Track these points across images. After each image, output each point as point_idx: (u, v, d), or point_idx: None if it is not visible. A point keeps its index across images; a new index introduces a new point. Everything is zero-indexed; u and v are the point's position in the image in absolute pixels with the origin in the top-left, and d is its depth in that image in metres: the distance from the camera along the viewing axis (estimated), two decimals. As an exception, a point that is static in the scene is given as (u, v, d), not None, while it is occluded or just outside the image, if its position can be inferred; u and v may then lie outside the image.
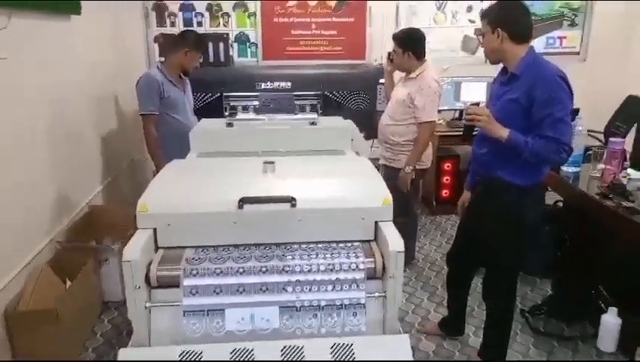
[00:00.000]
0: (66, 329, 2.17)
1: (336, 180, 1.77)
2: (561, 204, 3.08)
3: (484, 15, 1.98)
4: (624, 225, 2.10)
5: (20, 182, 2.29)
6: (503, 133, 1.87)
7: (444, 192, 4.15)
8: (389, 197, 1.66)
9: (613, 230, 2.29)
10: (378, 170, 3.06)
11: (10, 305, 2.11)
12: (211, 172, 1.89)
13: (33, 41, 2.44)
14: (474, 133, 2.09)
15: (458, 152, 4.16)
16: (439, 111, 4.04)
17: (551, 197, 3.13)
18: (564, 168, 2.65)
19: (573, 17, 4.47)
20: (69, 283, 2.40)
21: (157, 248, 1.56)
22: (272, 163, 1.84)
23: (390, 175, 3.01)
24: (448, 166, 4.09)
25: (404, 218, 2.99)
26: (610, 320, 2.34)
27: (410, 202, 3.06)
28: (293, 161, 2.02)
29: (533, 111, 1.83)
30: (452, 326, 2.48)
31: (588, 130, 3.46)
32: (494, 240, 2.04)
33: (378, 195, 1.65)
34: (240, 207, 1.54)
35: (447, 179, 4.11)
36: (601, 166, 2.57)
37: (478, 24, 4.41)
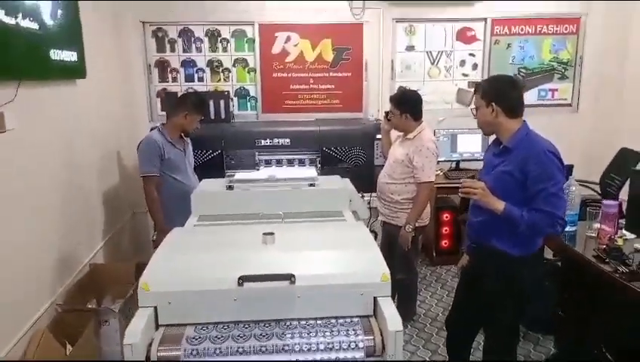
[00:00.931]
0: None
1: (335, 254, 1.79)
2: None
3: (479, 89, 2.06)
4: (622, 290, 2.11)
5: (23, 244, 2.32)
6: (499, 205, 1.91)
7: (444, 243, 4.17)
8: (387, 272, 1.68)
9: (611, 292, 2.30)
10: (375, 235, 3.14)
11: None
12: (211, 245, 1.91)
13: (40, 108, 2.52)
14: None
15: (456, 202, 4.20)
16: (437, 162, 4.12)
17: (551, 252, 3.16)
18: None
19: (563, 70, 4.60)
20: (69, 347, 2.39)
21: (158, 326, 1.57)
22: (272, 234, 1.88)
23: (390, 232, 3.05)
24: (447, 216, 4.13)
25: (405, 275, 3.01)
26: (613, 383, 2.31)
27: (411, 259, 3.07)
28: (292, 231, 2.05)
29: (528, 185, 1.89)
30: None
31: (582, 182, 3.53)
32: (492, 309, 2.05)
33: (376, 271, 1.66)
34: (240, 284, 1.56)
35: (446, 230, 4.14)
36: (596, 225, 2.60)
37: (471, 77, 4.58)
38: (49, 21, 2.54)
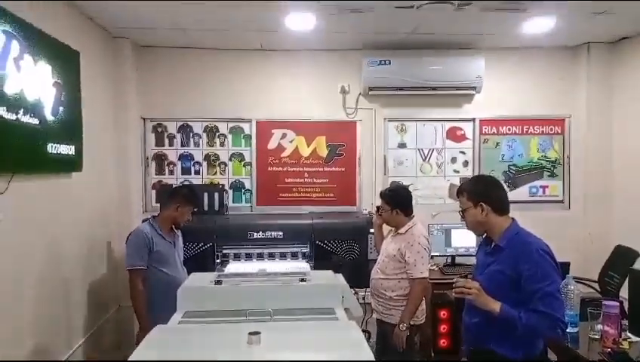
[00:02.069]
0: None
1: (324, 359, 1.69)
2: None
3: (463, 191, 2.07)
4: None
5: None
6: (495, 306, 1.85)
7: (442, 342, 3.96)
8: (379, 377, 1.57)
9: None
10: (369, 335, 3.01)
11: None
12: (192, 347, 1.80)
13: (32, 201, 2.53)
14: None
15: (453, 298, 4.06)
16: (432, 257, 4.06)
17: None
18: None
19: (552, 168, 4.71)
20: None
21: None
22: (258, 334, 1.78)
23: (384, 331, 2.92)
24: (444, 314, 3.96)
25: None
26: None
27: (406, 360, 2.91)
28: (280, 331, 1.95)
29: (523, 285, 1.84)
30: None
31: (580, 279, 3.46)
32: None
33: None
34: (221, 391, 1.44)
35: (444, 328, 3.95)
36: (599, 327, 2.49)
37: (462, 173, 4.66)
38: (49, 117, 2.63)
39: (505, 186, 2.16)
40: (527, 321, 1.78)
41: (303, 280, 2.51)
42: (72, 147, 2.91)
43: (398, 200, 2.99)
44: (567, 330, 2.54)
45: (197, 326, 2.08)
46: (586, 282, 3.81)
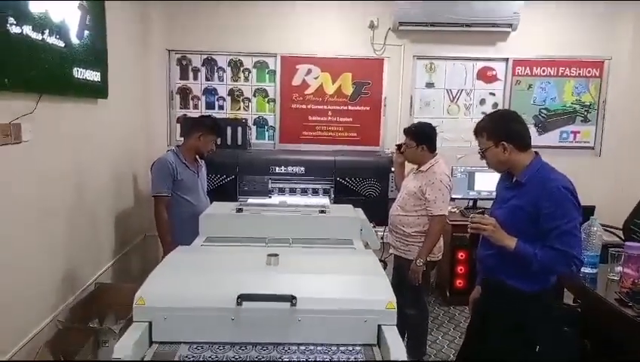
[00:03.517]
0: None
1: (340, 278, 1.73)
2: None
3: (482, 131, 1.99)
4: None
5: (28, 256, 2.31)
6: (510, 242, 1.84)
7: (459, 282, 4.03)
8: (394, 300, 1.60)
9: (633, 338, 2.16)
10: (385, 264, 3.05)
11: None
12: (213, 264, 1.86)
13: (59, 124, 2.56)
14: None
15: (469, 235, 4.08)
16: (453, 199, 4.05)
17: (570, 297, 3.02)
18: (582, 269, 2.56)
19: (585, 113, 4.54)
20: (65, 365, 2.33)
21: (151, 342, 1.52)
22: (277, 255, 1.82)
23: (401, 266, 2.97)
24: (462, 255, 4.00)
25: (414, 310, 2.90)
26: None
27: (421, 294, 2.96)
28: (298, 254, 1.99)
29: (541, 221, 1.81)
30: None
31: (605, 226, 3.40)
32: (500, 348, 1.93)
33: (382, 298, 1.59)
34: (238, 303, 1.50)
35: (461, 269, 4.01)
36: (619, 269, 2.47)
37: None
38: (75, 40, 2.62)
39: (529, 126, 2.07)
40: (542, 258, 1.77)
41: (322, 211, 2.54)
42: (98, 73, 2.92)
43: (423, 136, 2.94)
44: (587, 271, 2.55)
45: (218, 248, 2.15)
46: (610, 229, 3.74)
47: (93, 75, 2.86)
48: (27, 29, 2.15)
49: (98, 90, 2.97)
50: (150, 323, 1.52)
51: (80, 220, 2.82)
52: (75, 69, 2.65)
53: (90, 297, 2.85)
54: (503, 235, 1.83)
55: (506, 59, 4.48)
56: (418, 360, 3.02)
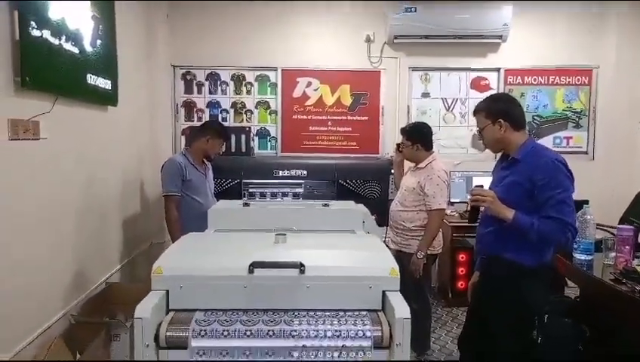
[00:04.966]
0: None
1: (346, 251, 1.83)
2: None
3: (480, 110, 2.13)
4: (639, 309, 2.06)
5: (43, 253, 2.40)
6: (508, 213, 1.94)
7: (460, 284, 4.09)
8: (397, 268, 1.70)
9: (629, 316, 2.24)
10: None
11: (19, 374, 2.11)
12: (225, 242, 1.96)
13: (73, 126, 2.69)
14: (478, 219, 2.17)
15: (472, 244, 4.16)
16: (452, 203, 4.16)
17: (572, 292, 3.11)
18: (577, 256, 2.65)
19: (577, 120, 4.69)
20: (79, 357, 2.39)
21: (168, 310, 1.60)
22: (284, 235, 1.92)
23: (402, 260, 3.03)
24: (463, 257, 4.09)
25: (416, 304, 2.96)
26: (637, 417, 2.19)
27: (422, 288, 3.04)
28: (304, 237, 2.09)
29: (536, 193, 1.92)
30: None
31: (600, 226, 3.49)
32: (497, 321, 2.01)
33: (386, 266, 1.69)
34: (250, 271, 1.59)
35: (462, 271, 4.08)
36: (613, 254, 2.56)
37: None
38: (88, 48, 2.77)
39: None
40: (539, 227, 1.87)
41: (326, 205, 2.64)
42: (109, 82, 3.06)
43: (418, 135, 3.07)
44: (583, 258, 2.63)
45: (228, 234, 2.24)
46: (604, 227, 3.83)
47: (104, 83, 3.00)
48: (46, 33, 2.30)
49: (108, 97, 3.11)
50: (167, 292, 1.60)
51: (89, 222, 2.91)
52: (88, 75, 2.79)
53: (100, 295, 2.92)
54: (502, 207, 1.93)
55: (498, 69, 4.65)
56: (422, 360, 3.08)
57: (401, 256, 3.04)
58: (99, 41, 2.90)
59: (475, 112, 2.14)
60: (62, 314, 2.53)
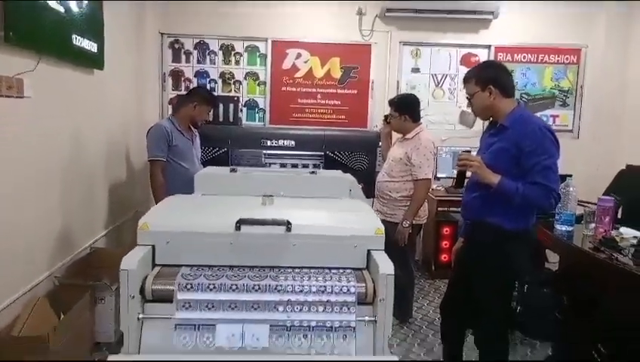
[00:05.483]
0: (57, 359, 2.13)
1: (332, 213, 1.84)
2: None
3: (471, 77, 2.14)
4: (617, 276, 2.12)
5: (28, 214, 2.37)
6: (494, 178, 1.97)
7: (443, 257, 4.16)
8: (382, 227, 1.72)
9: (606, 283, 2.30)
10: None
11: (3, 331, 2.11)
12: (212, 202, 1.97)
13: (57, 87, 2.64)
14: (463, 186, 2.20)
15: (456, 218, 4.22)
16: (438, 178, 4.19)
17: (553, 268, 3.19)
18: (558, 227, 2.71)
19: (564, 98, 4.73)
20: (63, 317, 2.39)
21: (154, 265, 1.61)
22: (271, 196, 1.93)
23: (387, 230, 3.06)
24: (447, 230, 4.14)
25: (401, 273, 3.01)
26: (610, 380, 2.27)
27: (407, 257, 3.09)
28: (292, 200, 2.10)
29: (522, 160, 1.95)
30: (448, 379, 2.42)
31: (583, 202, 3.56)
32: (481, 284, 2.06)
33: (371, 226, 1.72)
34: (237, 228, 1.60)
35: (445, 244, 4.14)
36: (593, 225, 2.62)
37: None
38: (75, 8, 2.71)
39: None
40: (524, 192, 1.90)
41: (313, 173, 2.65)
42: (95, 44, 3.00)
43: (406, 106, 3.08)
44: (564, 228, 2.69)
45: (214, 196, 2.24)
46: (586, 204, 3.90)
47: (90, 45, 2.94)
48: (31, -11, 2.24)
49: (94, 60, 3.05)
50: (153, 247, 1.61)
51: (76, 186, 2.89)
52: (74, 35, 2.73)
53: (85, 259, 2.91)
54: (488, 172, 1.96)
55: (489, 46, 4.65)
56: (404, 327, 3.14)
57: (387, 226, 3.03)
58: (85, 2, 2.83)
59: (465, 80, 2.15)
60: (46, 275, 2.53)
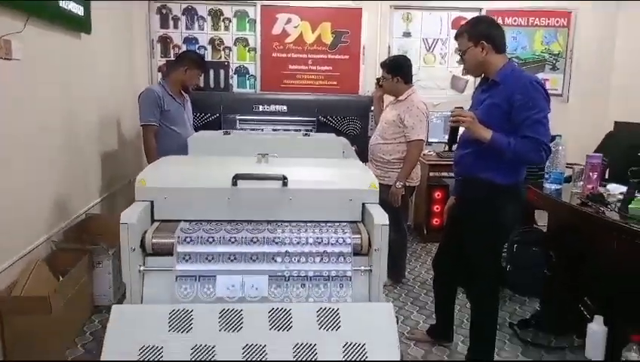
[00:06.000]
0: (58, 320, 2.18)
1: (327, 169, 1.87)
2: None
3: (463, 32, 2.13)
4: (603, 230, 2.18)
5: (24, 180, 2.38)
6: (486, 134, 1.99)
7: (435, 220, 4.22)
8: (376, 182, 1.76)
9: (593, 238, 2.37)
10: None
11: (5, 291, 2.13)
12: (207, 160, 1.98)
13: (46, 50, 2.60)
14: (456, 142, 2.23)
15: (447, 182, 4.27)
16: (429, 143, 4.22)
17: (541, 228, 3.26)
18: (548, 185, 2.77)
19: (554, 62, 4.74)
20: (61, 279, 2.42)
21: (153, 220, 1.63)
22: (266, 154, 1.95)
23: (381, 191, 3.10)
24: (438, 195, 4.20)
25: (394, 234, 3.06)
26: (597, 329, 2.35)
27: (400, 218, 3.13)
28: (286, 159, 2.11)
29: (513, 114, 1.97)
30: (440, 332, 2.50)
31: (571, 165, 3.62)
32: (473, 241, 2.11)
33: (366, 180, 1.75)
34: (234, 183, 1.62)
35: (437, 208, 4.20)
36: (581, 183, 2.68)
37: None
38: (60, -32, 2.64)
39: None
40: (515, 146, 1.93)
41: (307, 135, 2.67)
42: (81, 7, 2.94)
43: (398, 67, 3.08)
44: (554, 187, 2.75)
45: (209, 157, 2.25)
46: (575, 166, 3.97)
47: (76, 8, 2.88)
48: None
49: (81, 24, 3.00)
50: (152, 203, 1.63)
51: (69, 152, 2.87)
52: (60, -3, 2.68)
53: (81, 224, 2.93)
54: (480, 127, 1.98)
55: (480, 10, 4.62)
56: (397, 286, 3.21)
57: (380, 188, 3.09)
58: (70, -38, 2.76)
59: (457, 35, 2.15)
60: (44, 239, 2.54)
